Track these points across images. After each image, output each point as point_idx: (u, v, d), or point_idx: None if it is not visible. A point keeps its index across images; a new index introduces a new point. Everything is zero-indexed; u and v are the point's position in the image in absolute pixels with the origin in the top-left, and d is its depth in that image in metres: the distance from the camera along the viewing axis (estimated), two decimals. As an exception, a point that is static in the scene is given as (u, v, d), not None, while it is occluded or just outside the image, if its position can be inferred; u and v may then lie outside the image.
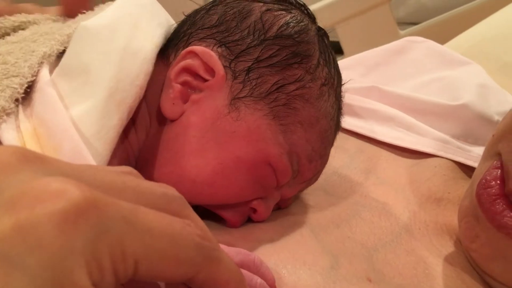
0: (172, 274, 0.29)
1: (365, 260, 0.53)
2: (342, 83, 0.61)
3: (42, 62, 0.51)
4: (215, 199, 0.53)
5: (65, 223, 0.24)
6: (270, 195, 0.55)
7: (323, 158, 0.58)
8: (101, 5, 0.59)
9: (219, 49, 0.54)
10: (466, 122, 0.77)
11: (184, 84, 0.54)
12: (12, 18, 0.58)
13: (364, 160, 0.72)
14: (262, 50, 0.54)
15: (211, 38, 0.55)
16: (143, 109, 0.54)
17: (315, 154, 0.55)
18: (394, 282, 0.51)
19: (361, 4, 1.46)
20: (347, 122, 0.76)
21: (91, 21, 0.53)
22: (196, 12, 0.60)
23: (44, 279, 0.23)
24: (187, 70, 0.54)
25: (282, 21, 0.56)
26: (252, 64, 0.53)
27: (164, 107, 0.53)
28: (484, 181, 0.50)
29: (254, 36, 0.54)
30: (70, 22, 0.58)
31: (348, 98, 0.78)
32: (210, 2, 0.59)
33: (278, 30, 0.55)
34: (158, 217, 0.28)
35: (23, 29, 0.58)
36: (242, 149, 0.52)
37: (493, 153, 0.53)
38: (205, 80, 0.53)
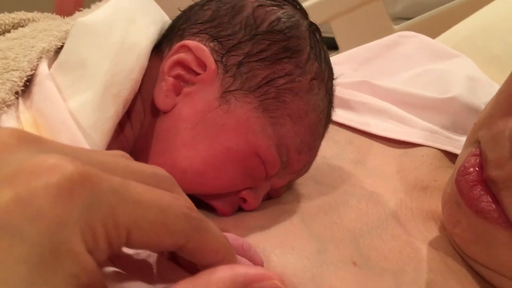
0: (163, 242, 0.30)
1: (351, 245, 0.55)
2: (334, 77, 0.63)
3: (41, 57, 0.53)
4: (206, 188, 0.55)
5: (60, 195, 0.26)
6: (260, 186, 0.57)
7: (313, 150, 0.59)
8: (98, 3, 0.61)
9: (211, 44, 0.56)
10: (455, 114, 0.78)
11: (177, 77, 0.55)
12: (12, 15, 0.61)
13: (354, 151, 0.74)
14: (253, 44, 0.55)
15: (204, 33, 0.57)
16: (138, 102, 0.56)
17: (304, 146, 0.57)
18: (379, 266, 0.53)
19: (356, -1, 1.48)
20: (338, 114, 0.77)
21: (88, 17, 0.55)
22: (191, 7, 0.61)
23: (42, 246, 0.25)
24: (180, 63, 0.55)
25: (274, 17, 0.57)
26: (243, 58, 0.55)
27: (157, 99, 0.55)
28: (462, 168, 0.52)
29: (245, 31, 0.56)
30: (68, 19, 0.61)
31: (340, 91, 0.80)
32: None
33: (269, 25, 0.56)
34: (148, 190, 0.30)
35: (22, 26, 0.60)
36: (232, 141, 0.53)
37: (473, 141, 0.55)
38: (197, 74, 0.55)
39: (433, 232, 0.60)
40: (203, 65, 0.55)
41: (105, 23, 0.54)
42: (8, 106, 0.50)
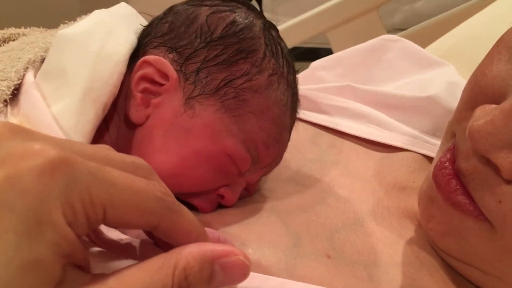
0: (137, 221, 0.34)
1: (326, 239, 0.57)
2: (296, 70, 0.65)
3: (27, 67, 0.56)
4: (182, 189, 0.57)
5: (43, 174, 0.30)
6: (235, 182, 0.60)
7: (280, 143, 0.62)
8: (83, 16, 0.64)
9: (170, 55, 0.59)
10: (434, 117, 0.80)
11: (144, 91, 0.58)
12: (2, 31, 0.65)
13: (335, 154, 0.75)
14: (208, 51, 0.58)
15: (163, 46, 0.60)
16: (114, 114, 0.60)
17: (271, 140, 0.59)
18: (352, 259, 0.55)
19: (350, 11, 1.50)
20: (319, 118, 0.80)
21: (68, 29, 0.58)
22: (151, 23, 0.65)
23: (28, 217, 0.29)
24: (144, 78, 0.58)
25: (226, 22, 0.60)
26: (201, 64, 0.58)
27: (131, 114, 0.58)
28: (439, 163, 0.53)
29: (201, 39, 0.59)
30: (53, 31, 0.64)
31: (321, 97, 0.83)
32: (163, 11, 0.64)
33: (222, 30, 0.59)
34: (123, 174, 0.34)
35: (13, 40, 0.64)
36: (200, 143, 0.56)
37: (449, 136, 0.56)
38: (162, 85, 0.58)
39: (408, 229, 0.62)
40: (165, 76, 0.58)
41: (84, 34, 0.57)
42: None
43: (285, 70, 0.62)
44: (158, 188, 0.35)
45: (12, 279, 0.28)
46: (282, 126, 0.61)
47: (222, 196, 0.60)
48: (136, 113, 0.58)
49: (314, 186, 0.68)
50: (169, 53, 0.59)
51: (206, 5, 0.62)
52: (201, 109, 0.57)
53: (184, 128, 0.57)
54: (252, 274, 0.38)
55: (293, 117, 0.64)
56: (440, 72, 0.89)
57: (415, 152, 0.76)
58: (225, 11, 0.61)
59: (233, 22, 0.60)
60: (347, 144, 0.79)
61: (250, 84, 0.58)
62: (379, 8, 1.52)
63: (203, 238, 0.38)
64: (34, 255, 0.29)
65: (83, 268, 0.33)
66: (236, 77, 0.58)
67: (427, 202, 0.56)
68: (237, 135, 0.57)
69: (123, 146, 0.59)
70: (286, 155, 0.64)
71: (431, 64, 0.91)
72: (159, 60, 0.58)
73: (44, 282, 0.30)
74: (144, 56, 0.59)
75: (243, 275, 0.36)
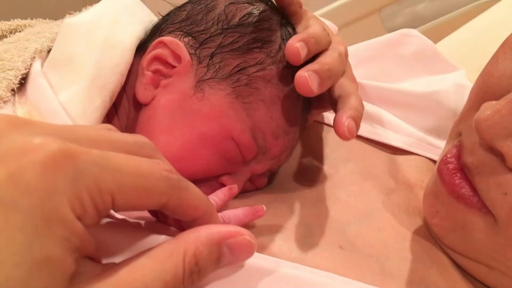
0: (146, 203, 0.34)
1: (338, 232, 0.57)
2: None
3: (34, 57, 0.57)
4: (185, 174, 0.55)
5: (46, 170, 0.29)
6: (239, 171, 0.60)
7: (289, 135, 0.61)
8: (88, 7, 0.64)
9: (186, 39, 0.59)
10: (439, 117, 0.79)
11: (156, 72, 0.59)
12: (9, 22, 0.65)
13: (344, 151, 0.75)
14: (224, 37, 0.59)
15: (179, 31, 0.60)
16: (123, 97, 0.60)
17: (280, 131, 0.59)
18: (364, 252, 0.55)
19: (352, 13, 1.51)
20: (327, 117, 0.80)
21: (74, 18, 0.58)
22: (170, 11, 0.66)
23: (35, 216, 0.28)
24: (157, 58, 0.59)
25: (244, 12, 0.60)
26: (215, 50, 0.58)
27: (138, 93, 0.58)
28: (444, 158, 0.54)
29: (217, 26, 0.59)
30: (59, 21, 0.65)
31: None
32: (184, 2, 0.66)
33: (240, 19, 0.60)
34: (127, 158, 0.33)
35: (20, 31, 0.64)
36: (206, 125, 0.56)
37: (455, 136, 0.57)
38: (174, 67, 0.58)
39: (418, 226, 0.62)
40: (178, 58, 0.58)
41: (90, 22, 0.58)
42: (5, 102, 0.53)
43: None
44: (163, 167, 0.35)
45: (25, 278, 0.28)
46: (293, 119, 0.61)
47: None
48: (144, 91, 0.58)
49: (325, 182, 0.67)
50: (185, 37, 0.60)
51: None
52: (211, 92, 0.57)
53: (191, 110, 0.57)
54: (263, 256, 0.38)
55: (304, 114, 0.64)
56: (449, 76, 0.88)
57: (421, 155, 0.76)
58: (243, 2, 0.62)
59: (251, 13, 0.61)
60: (355, 142, 0.78)
61: (263, 73, 0.58)
62: (381, 10, 1.52)
63: (211, 212, 0.39)
64: (45, 253, 0.29)
65: (93, 258, 0.33)
66: (249, 65, 0.58)
67: (432, 198, 0.56)
68: (245, 121, 0.57)
69: (132, 130, 0.59)
70: (296, 151, 0.64)
71: (444, 70, 0.90)
72: (174, 41, 0.59)
73: (57, 278, 0.29)
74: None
75: (250, 253, 0.37)
